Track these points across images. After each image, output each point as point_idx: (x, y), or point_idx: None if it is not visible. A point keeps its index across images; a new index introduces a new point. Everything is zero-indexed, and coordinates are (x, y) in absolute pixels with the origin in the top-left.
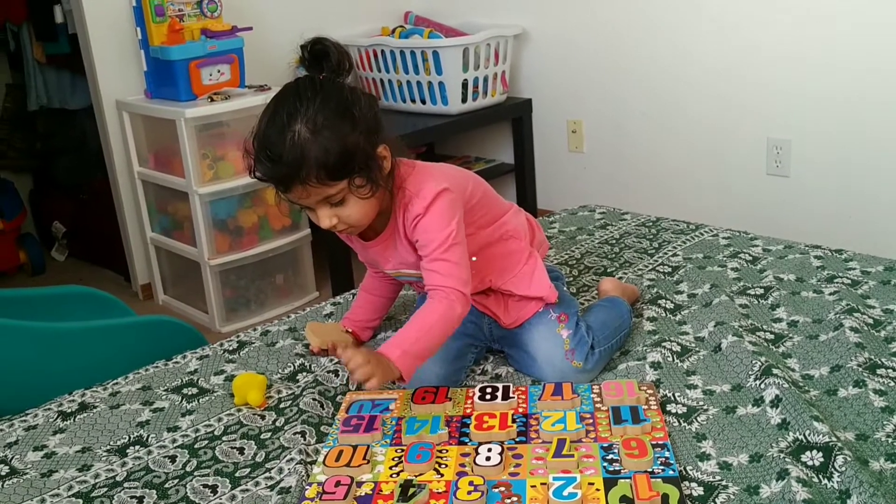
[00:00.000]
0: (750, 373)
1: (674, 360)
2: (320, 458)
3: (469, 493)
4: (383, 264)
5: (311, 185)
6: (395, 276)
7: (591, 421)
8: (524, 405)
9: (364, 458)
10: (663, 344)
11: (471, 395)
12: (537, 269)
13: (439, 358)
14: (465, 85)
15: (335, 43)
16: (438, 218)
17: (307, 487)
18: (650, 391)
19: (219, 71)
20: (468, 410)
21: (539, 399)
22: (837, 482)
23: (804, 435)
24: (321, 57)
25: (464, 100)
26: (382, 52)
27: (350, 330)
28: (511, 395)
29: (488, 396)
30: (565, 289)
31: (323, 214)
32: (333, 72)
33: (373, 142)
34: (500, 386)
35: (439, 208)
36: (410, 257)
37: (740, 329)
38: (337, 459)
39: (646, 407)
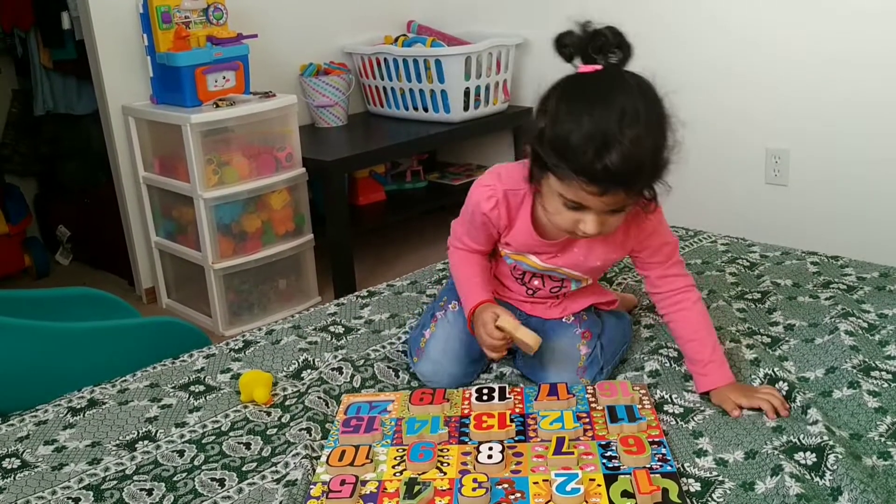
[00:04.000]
0: (751, 377)
1: (671, 365)
2: (323, 458)
3: (474, 489)
4: (545, 257)
5: (622, 194)
6: (543, 270)
7: (587, 420)
8: (521, 405)
9: (367, 458)
10: (660, 351)
11: (467, 395)
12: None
13: (458, 358)
14: (466, 93)
15: (617, 29)
16: (665, 226)
17: (312, 486)
18: (643, 391)
19: (224, 77)
20: (466, 411)
21: (535, 399)
22: (829, 480)
23: (798, 438)
24: (603, 45)
25: (465, 108)
26: (385, 60)
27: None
28: (507, 395)
29: (485, 397)
30: None
31: (595, 220)
32: (623, 58)
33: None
34: (496, 387)
35: (662, 217)
36: (596, 261)
37: (737, 334)
38: (340, 459)
39: (640, 406)
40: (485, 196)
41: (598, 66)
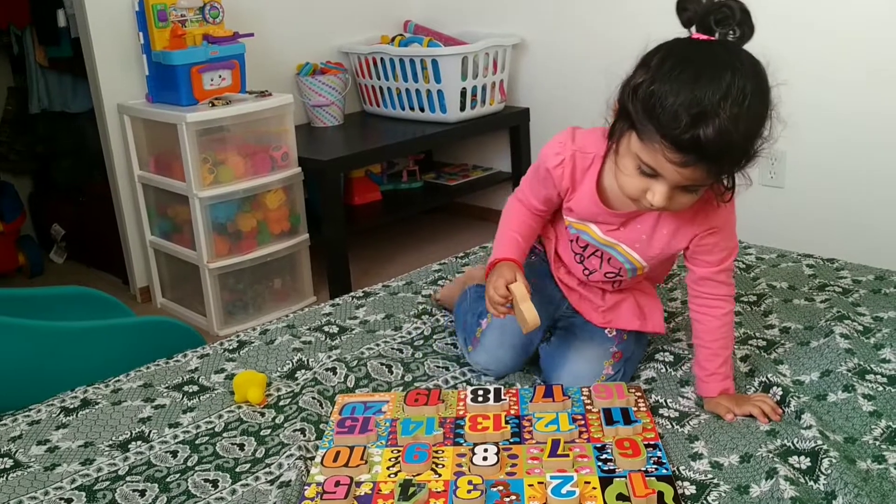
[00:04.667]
0: (746, 386)
1: (667, 370)
2: (317, 459)
3: (469, 491)
4: (607, 228)
5: (703, 171)
6: (604, 244)
7: (582, 422)
8: (516, 407)
9: (362, 459)
10: (656, 356)
11: (462, 396)
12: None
13: (514, 348)
14: (463, 93)
15: (743, 5)
16: (732, 230)
17: (306, 487)
18: (639, 394)
19: (220, 76)
20: (461, 412)
21: (530, 401)
22: (823, 484)
23: (792, 442)
24: (727, 15)
25: (462, 108)
26: (382, 59)
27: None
28: (503, 396)
29: (480, 398)
30: None
31: (664, 193)
32: (741, 37)
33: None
34: (491, 388)
35: (734, 222)
36: (658, 243)
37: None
38: (335, 460)
39: (635, 409)
40: (553, 152)
41: (713, 38)
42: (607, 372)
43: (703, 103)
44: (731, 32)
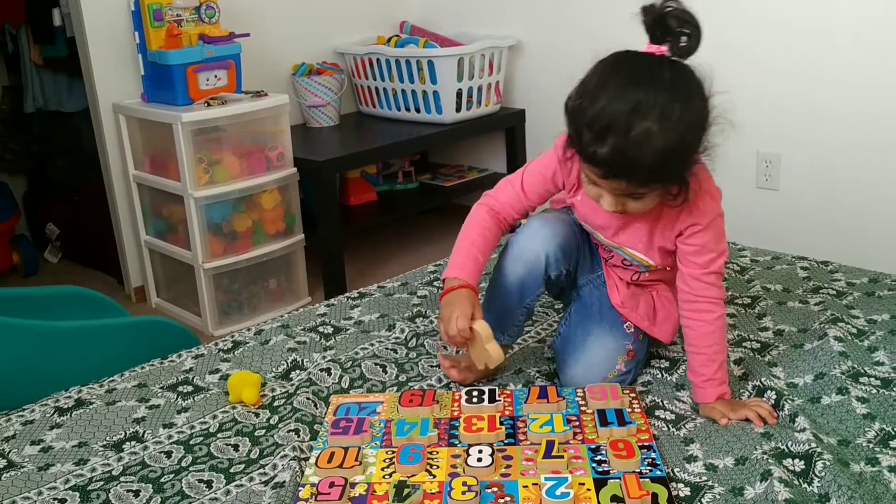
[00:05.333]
0: (740, 390)
1: (662, 375)
2: (312, 460)
3: (463, 493)
4: (609, 232)
5: (624, 183)
6: (611, 246)
7: (577, 423)
8: (510, 408)
9: (356, 460)
10: (652, 361)
11: (457, 398)
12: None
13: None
14: (459, 94)
15: (687, 11)
16: (717, 232)
17: (301, 488)
18: (633, 395)
19: (216, 76)
20: (455, 413)
21: (525, 402)
22: (817, 486)
23: (786, 445)
24: (669, 27)
25: (458, 109)
26: (378, 60)
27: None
28: (497, 397)
29: (475, 399)
30: None
31: (612, 202)
32: (684, 51)
33: (700, 146)
34: (485, 389)
35: (719, 225)
36: (659, 240)
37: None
38: (329, 461)
39: (630, 410)
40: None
41: (661, 50)
42: (620, 368)
43: (607, 120)
44: (679, 41)
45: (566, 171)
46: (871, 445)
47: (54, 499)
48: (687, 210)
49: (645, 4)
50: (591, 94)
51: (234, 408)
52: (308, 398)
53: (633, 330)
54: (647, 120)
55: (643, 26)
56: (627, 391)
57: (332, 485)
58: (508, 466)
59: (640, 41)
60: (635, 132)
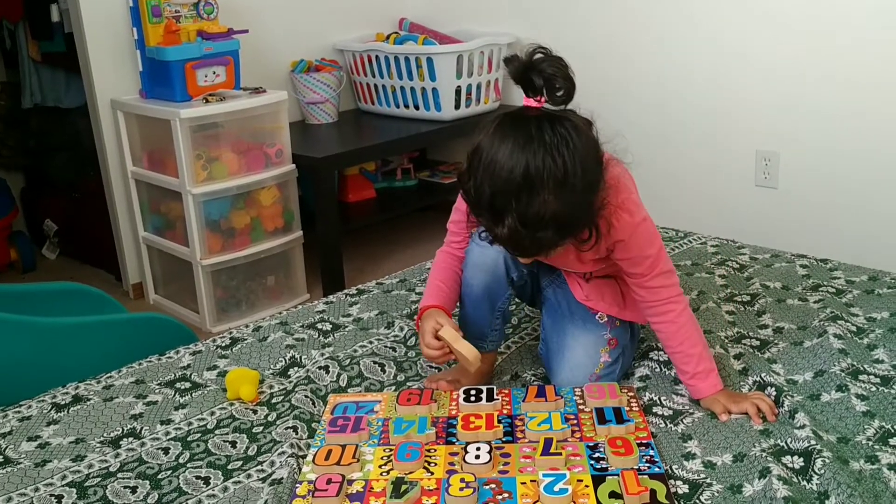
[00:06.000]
0: (740, 384)
1: (661, 370)
2: (309, 458)
3: (461, 489)
4: (538, 264)
5: (539, 254)
6: (550, 264)
7: (575, 421)
8: (508, 407)
9: (353, 457)
10: (650, 355)
11: (455, 396)
12: None
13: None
14: (458, 92)
15: (556, 58)
16: (645, 237)
17: (298, 485)
18: (631, 393)
19: (214, 72)
20: (453, 412)
21: (523, 401)
22: (816, 484)
23: (785, 442)
24: (542, 78)
25: (457, 106)
26: (377, 57)
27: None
28: (495, 396)
29: (472, 398)
30: None
31: (526, 259)
32: (562, 100)
33: (600, 191)
34: (483, 388)
35: (643, 230)
36: (586, 259)
37: (726, 341)
38: (326, 458)
39: (628, 408)
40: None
41: (540, 101)
42: (605, 360)
43: (501, 203)
44: (556, 90)
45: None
46: (870, 443)
47: (51, 495)
48: (606, 232)
49: (507, 56)
50: (480, 173)
51: (231, 404)
52: (306, 396)
53: (605, 319)
54: (541, 193)
55: (511, 72)
56: (625, 390)
57: (329, 481)
58: (506, 464)
59: (640, 41)
60: (532, 209)
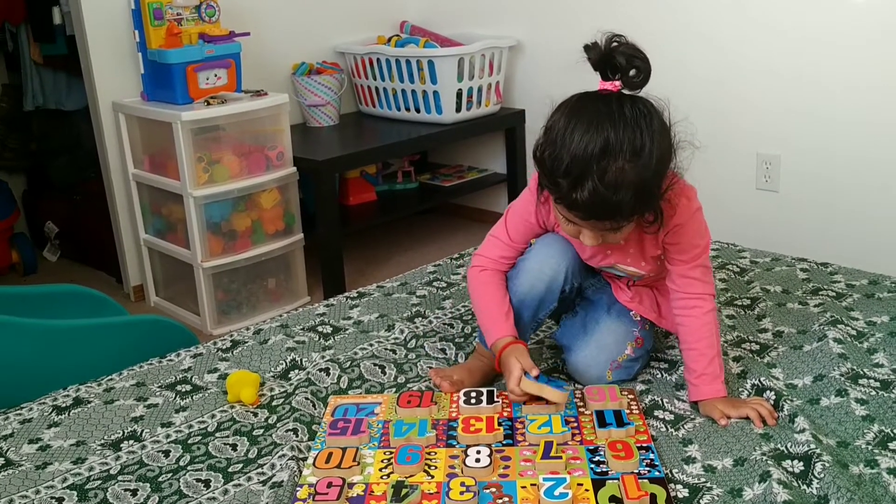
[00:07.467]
0: (738, 389)
1: (662, 375)
2: (309, 461)
3: (461, 493)
4: (597, 259)
5: (603, 221)
6: (603, 268)
7: (575, 424)
8: (508, 409)
9: (354, 461)
10: (651, 362)
11: (455, 399)
12: None
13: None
14: (459, 95)
15: (633, 45)
16: (698, 226)
17: (299, 488)
18: (631, 396)
19: (216, 75)
20: (453, 414)
21: (523, 403)
22: (816, 488)
23: (785, 446)
24: (618, 64)
25: (458, 109)
26: (378, 60)
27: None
28: (495, 399)
29: (473, 400)
30: None
31: (591, 237)
32: (637, 84)
33: (667, 172)
34: (483, 390)
35: (698, 219)
36: (650, 251)
37: (725, 345)
38: (327, 461)
39: (628, 411)
40: (538, 186)
41: (615, 86)
42: (629, 353)
43: (581, 167)
44: (630, 75)
45: (545, 211)
46: (870, 447)
47: (52, 497)
48: (666, 214)
49: (587, 43)
50: (558, 142)
51: (232, 407)
52: (307, 398)
53: (639, 319)
54: (618, 160)
55: (591, 61)
56: (626, 392)
57: (329, 485)
58: (507, 467)
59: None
60: (610, 174)
